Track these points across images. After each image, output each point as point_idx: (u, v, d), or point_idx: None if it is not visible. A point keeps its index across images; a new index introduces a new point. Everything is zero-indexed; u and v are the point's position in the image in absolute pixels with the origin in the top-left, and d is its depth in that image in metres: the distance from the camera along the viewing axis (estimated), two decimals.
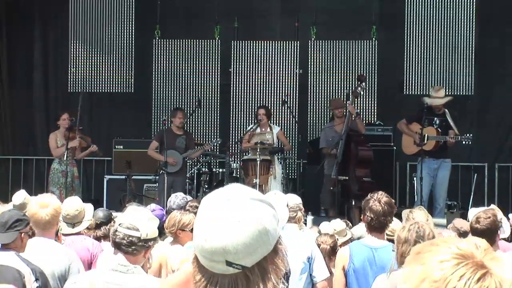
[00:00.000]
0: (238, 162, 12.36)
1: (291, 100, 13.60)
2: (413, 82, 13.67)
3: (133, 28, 14.11)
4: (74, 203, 6.17)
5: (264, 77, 13.93)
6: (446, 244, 1.55)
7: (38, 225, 4.99)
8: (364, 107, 13.51)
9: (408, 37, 13.76)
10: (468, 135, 11.10)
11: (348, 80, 13.72)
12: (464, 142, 11.11)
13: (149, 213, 4.10)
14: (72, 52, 14.09)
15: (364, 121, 12.67)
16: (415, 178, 11.77)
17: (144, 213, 4.05)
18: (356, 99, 12.03)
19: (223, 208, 1.75)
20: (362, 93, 11.83)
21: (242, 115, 13.92)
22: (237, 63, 14.01)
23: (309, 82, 13.90)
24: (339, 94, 13.58)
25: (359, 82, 11.81)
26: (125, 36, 14.12)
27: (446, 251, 1.53)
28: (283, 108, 13.47)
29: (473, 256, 1.53)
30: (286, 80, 13.88)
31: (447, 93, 13.01)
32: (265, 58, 13.96)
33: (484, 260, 1.53)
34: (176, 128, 11.93)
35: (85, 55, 14.10)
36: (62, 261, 4.94)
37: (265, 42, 13.99)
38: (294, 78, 13.90)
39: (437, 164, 11.32)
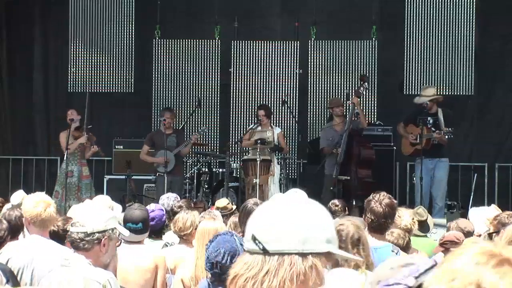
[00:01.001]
0: (238, 162, 12.35)
1: (291, 100, 13.60)
2: (413, 82, 13.67)
3: (133, 28, 14.10)
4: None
5: (264, 77, 13.93)
6: (475, 244, 1.55)
7: (35, 223, 4.98)
8: (364, 107, 13.49)
9: (408, 37, 13.76)
10: (449, 129, 11.10)
11: (348, 80, 13.72)
12: (447, 137, 11.12)
13: (99, 206, 4.14)
14: (72, 52, 14.09)
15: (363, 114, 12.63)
16: (414, 179, 11.80)
17: (93, 208, 4.09)
18: (357, 99, 12.02)
19: (281, 199, 1.86)
20: (364, 93, 11.84)
21: (242, 115, 13.92)
22: (237, 63, 14.00)
23: (309, 82, 13.89)
24: (339, 94, 13.58)
25: (361, 82, 11.81)
26: (125, 36, 14.12)
27: (476, 250, 1.52)
28: (283, 108, 13.47)
29: (501, 254, 1.52)
30: (286, 80, 13.87)
31: (447, 93, 13.07)
32: (265, 58, 13.95)
33: None
34: (165, 128, 11.90)
35: (85, 55, 14.09)
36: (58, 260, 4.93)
37: (265, 42, 13.98)
38: (294, 78, 13.90)
39: (433, 164, 11.32)
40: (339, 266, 4.14)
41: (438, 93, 12.04)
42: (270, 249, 1.77)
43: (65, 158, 11.39)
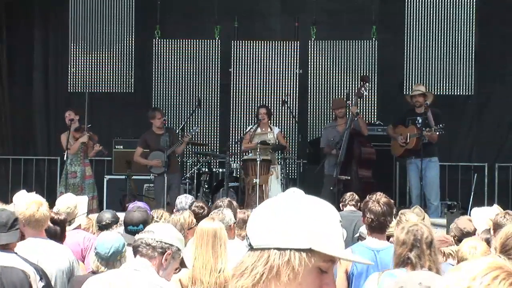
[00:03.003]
0: (238, 162, 12.35)
1: (291, 100, 13.60)
2: (413, 82, 13.64)
3: (133, 28, 14.11)
4: (66, 201, 6.19)
5: (264, 77, 13.93)
6: (492, 257, 1.54)
7: (29, 224, 4.98)
8: (364, 107, 13.51)
9: (408, 37, 13.76)
10: (440, 125, 11.13)
11: (348, 80, 13.73)
12: (437, 133, 11.14)
13: (173, 227, 4.19)
14: (72, 52, 14.09)
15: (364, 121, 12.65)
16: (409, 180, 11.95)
17: (168, 225, 4.15)
18: (359, 100, 12.03)
19: (275, 197, 1.85)
20: (365, 93, 11.85)
21: (242, 115, 13.92)
22: (237, 63, 14.01)
23: (309, 82, 13.90)
24: (339, 94, 13.59)
25: (362, 83, 11.81)
26: (125, 36, 14.12)
27: (491, 266, 1.51)
28: (283, 108, 13.47)
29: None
30: (286, 80, 13.88)
31: (447, 93, 13.10)
32: (265, 58, 13.96)
33: None
34: (157, 128, 11.87)
35: (85, 55, 14.09)
36: (66, 259, 4.98)
37: (265, 42, 13.99)
38: (294, 78, 13.90)
39: (423, 164, 11.34)
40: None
41: (434, 93, 12.16)
42: (254, 244, 1.76)
43: (65, 159, 11.37)
